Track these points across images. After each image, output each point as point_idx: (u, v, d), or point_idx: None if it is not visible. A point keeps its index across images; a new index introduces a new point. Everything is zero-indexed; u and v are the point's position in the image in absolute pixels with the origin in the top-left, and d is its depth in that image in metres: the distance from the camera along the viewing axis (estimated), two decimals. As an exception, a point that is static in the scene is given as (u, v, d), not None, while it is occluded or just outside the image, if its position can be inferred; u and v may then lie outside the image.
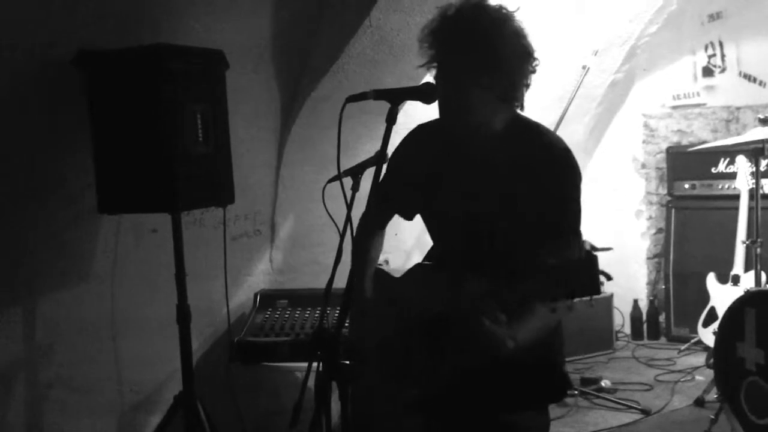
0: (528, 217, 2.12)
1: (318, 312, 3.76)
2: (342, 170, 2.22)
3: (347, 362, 1.97)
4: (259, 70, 3.80)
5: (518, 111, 2.27)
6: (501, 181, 2.18)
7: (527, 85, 2.21)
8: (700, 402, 4.38)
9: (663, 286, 5.82)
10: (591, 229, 2.62)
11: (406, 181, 2.37)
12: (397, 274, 2.43)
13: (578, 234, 2.19)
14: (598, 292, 1.82)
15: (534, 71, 2.20)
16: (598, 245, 3.35)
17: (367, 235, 2.46)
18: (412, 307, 2.22)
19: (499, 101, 2.18)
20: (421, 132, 2.42)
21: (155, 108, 2.98)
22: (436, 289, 2.18)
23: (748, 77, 5.55)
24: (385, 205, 2.44)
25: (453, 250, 2.31)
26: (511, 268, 1.90)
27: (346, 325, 2.02)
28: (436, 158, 2.32)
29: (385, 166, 2.40)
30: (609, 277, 1.82)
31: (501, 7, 2.17)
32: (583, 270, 1.79)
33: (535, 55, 2.19)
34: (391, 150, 2.13)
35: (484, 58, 2.11)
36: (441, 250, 2.41)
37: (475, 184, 2.22)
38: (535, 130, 2.27)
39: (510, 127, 2.24)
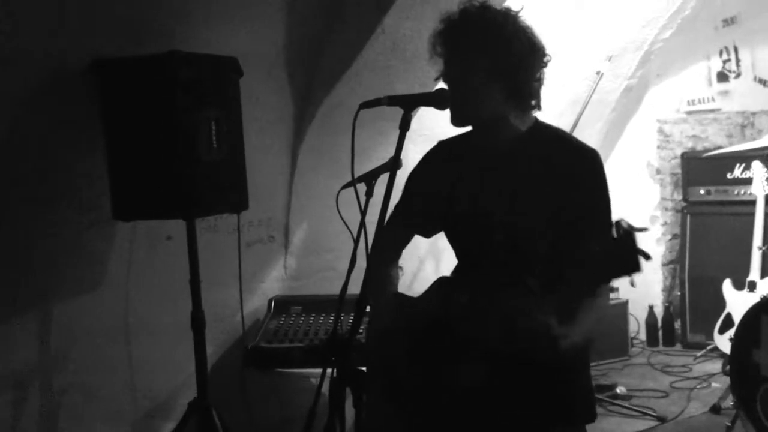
0: (561, 219, 2.09)
1: (332, 318, 3.76)
2: (356, 176, 2.23)
3: (362, 369, 1.96)
4: (272, 77, 3.82)
5: (536, 116, 2.26)
6: (529, 186, 2.17)
7: (540, 81, 2.20)
8: (716, 409, 4.34)
9: (678, 293, 5.79)
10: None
11: (429, 197, 2.35)
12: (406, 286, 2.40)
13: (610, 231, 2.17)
14: (639, 269, 1.83)
15: (545, 65, 2.20)
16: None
17: (384, 266, 2.39)
18: (437, 318, 2.17)
19: (512, 100, 2.17)
20: (442, 148, 2.41)
21: (169, 115, 2.99)
22: (464, 296, 2.15)
23: (763, 82, 5.52)
24: (406, 229, 2.44)
25: (484, 260, 2.25)
26: (544, 272, 1.88)
27: (360, 331, 2.01)
28: (459, 172, 2.30)
29: (403, 185, 2.42)
30: (648, 256, 1.81)
31: (505, 7, 2.18)
32: (622, 248, 1.78)
33: (545, 51, 2.19)
34: (404, 156, 2.13)
35: (490, 55, 2.12)
36: (469, 263, 2.34)
37: (503, 191, 2.20)
38: (559, 134, 2.27)
39: (533, 132, 2.23)
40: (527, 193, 2.17)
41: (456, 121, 2.23)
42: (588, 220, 2.12)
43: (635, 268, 1.79)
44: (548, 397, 2.13)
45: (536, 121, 2.26)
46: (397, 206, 2.43)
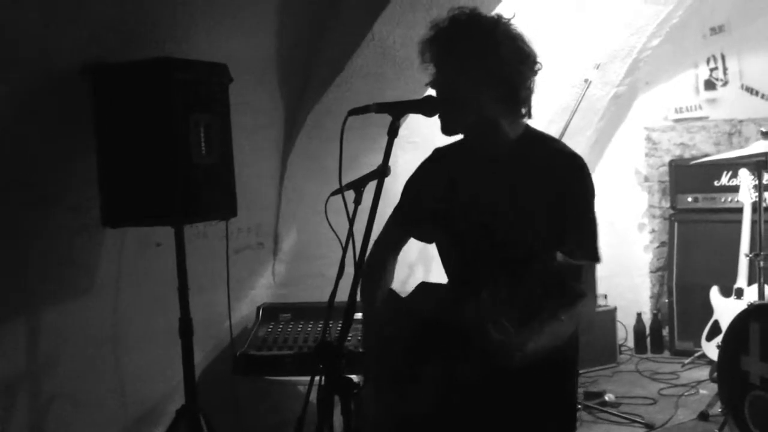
0: (549, 226, 2.10)
1: (321, 325, 3.76)
2: (344, 183, 2.23)
3: (350, 376, 1.96)
4: (263, 82, 3.82)
5: (527, 122, 2.27)
6: (519, 193, 2.18)
7: (530, 89, 2.21)
8: (704, 416, 4.36)
9: (666, 300, 5.81)
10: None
11: (424, 205, 2.37)
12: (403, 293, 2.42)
13: (593, 238, 2.18)
14: (584, 295, 1.89)
15: (535, 74, 2.20)
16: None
17: (382, 262, 2.46)
18: (419, 322, 2.20)
19: (502, 107, 2.18)
20: (437, 155, 2.43)
21: (159, 121, 2.99)
22: (444, 301, 2.17)
23: (750, 90, 5.56)
24: (402, 229, 2.46)
25: (470, 268, 2.27)
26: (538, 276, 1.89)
27: (349, 339, 2.02)
28: (453, 178, 2.31)
29: (401, 190, 2.44)
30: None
31: (495, 15, 2.19)
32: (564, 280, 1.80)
33: (536, 58, 2.19)
34: (393, 163, 2.13)
35: (480, 62, 2.12)
36: (455, 271, 2.38)
37: (493, 199, 2.21)
38: (547, 141, 2.28)
39: (522, 139, 2.24)
40: (517, 200, 2.18)
41: (445, 128, 2.24)
42: (570, 225, 2.12)
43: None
44: (527, 404, 2.14)
45: (526, 128, 2.27)
46: (395, 210, 2.47)
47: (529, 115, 2.24)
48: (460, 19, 2.16)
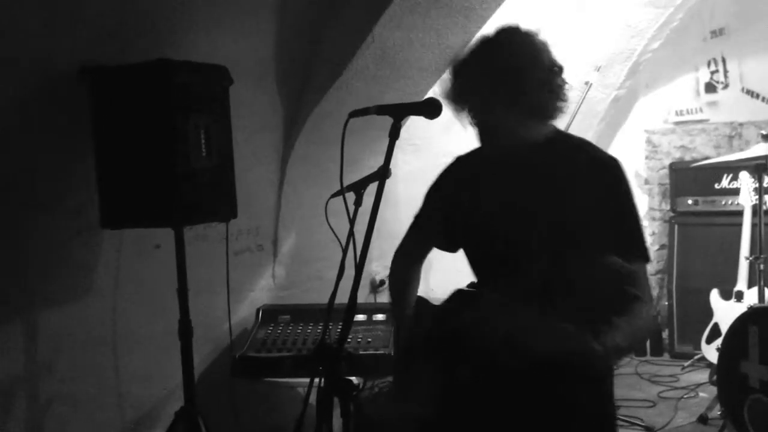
0: (588, 231, 2.05)
1: (320, 327, 3.76)
2: (345, 185, 2.23)
3: (350, 378, 1.96)
4: (262, 85, 3.82)
5: (555, 125, 2.25)
6: (552, 199, 2.13)
7: (564, 99, 2.18)
8: (703, 419, 4.35)
9: (666, 302, 5.81)
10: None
11: (447, 214, 2.35)
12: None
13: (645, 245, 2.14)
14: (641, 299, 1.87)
15: (555, 77, 2.18)
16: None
17: (405, 269, 2.47)
18: (449, 328, 2.16)
19: (514, 107, 2.15)
20: (459, 164, 2.40)
21: (159, 122, 2.98)
22: (475, 308, 2.14)
23: (750, 93, 5.56)
24: (425, 240, 2.46)
25: (502, 276, 2.20)
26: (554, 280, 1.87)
27: (349, 341, 2.02)
28: (477, 187, 2.29)
29: (422, 199, 2.43)
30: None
31: (526, 30, 2.19)
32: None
33: (553, 63, 2.19)
34: (394, 165, 2.13)
35: (521, 80, 2.11)
36: (484, 275, 2.33)
37: (522, 205, 2.17)
38: (578, 144, 2.24)
39: (550, 142, 2.21)
40: (539, 203, 2.13)
41: (490, 148, 2.24)
42: (611, 230, 2.07)
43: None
44: (559, 413, 2.09)
45: (555, 131, 2.24)
46: (416, 220, 2.46)
47: (553, 117, 2.21)
48: (499, 39, 2.19)
